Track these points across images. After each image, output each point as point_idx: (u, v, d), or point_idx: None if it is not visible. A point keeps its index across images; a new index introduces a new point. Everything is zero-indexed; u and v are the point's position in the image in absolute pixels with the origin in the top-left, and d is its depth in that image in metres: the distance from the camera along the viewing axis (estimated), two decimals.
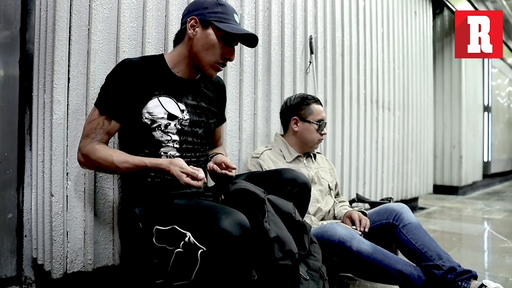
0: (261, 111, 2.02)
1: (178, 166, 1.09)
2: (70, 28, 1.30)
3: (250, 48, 1.94)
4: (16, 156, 1.45)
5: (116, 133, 1.25)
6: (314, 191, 1.69)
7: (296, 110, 1.76)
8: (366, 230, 1.55)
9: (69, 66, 1.29)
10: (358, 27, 2.80)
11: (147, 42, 1.50)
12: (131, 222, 1.18)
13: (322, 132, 1.74)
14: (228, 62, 1.28)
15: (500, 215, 3.70)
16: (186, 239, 0.93)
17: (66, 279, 1.29)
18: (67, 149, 1.28)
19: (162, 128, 1.21)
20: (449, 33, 5.27)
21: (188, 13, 1.25)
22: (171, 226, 0.99)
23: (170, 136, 1.22)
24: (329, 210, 1.73)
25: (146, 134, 1.20)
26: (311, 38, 2.31)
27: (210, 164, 1.28)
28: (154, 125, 1.20)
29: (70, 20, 1.30)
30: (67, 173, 1.28)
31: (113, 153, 1.15)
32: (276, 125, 2.10)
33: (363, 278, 1.50)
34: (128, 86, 1.17)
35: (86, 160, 1.15)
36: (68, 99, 1.29)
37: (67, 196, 1.28)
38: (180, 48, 1.26)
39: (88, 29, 1.33)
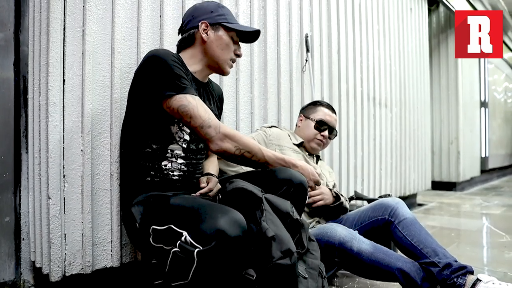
0: (257, 110, 2.02)
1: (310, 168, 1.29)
2: (64, 30, 1.29)
3: (246, 47, 1.94)
4: (12, 159, 1.44)
5: (120, 125, 1.25)
6: None
7: (304, 109, 1.91)
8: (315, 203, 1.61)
9: (64, 67, 1.29)
10: (354, 24, 2.81)
11: (143, 43, 1.50)
12: (128, 222, 1.18)
13: (323, 133, 1.77)
14: (237, 58, 1.37)
15: (498, 210, 3.71)
16: (183, 238, 0.93)
17: (65, 281, 1.28)
18: (63, 151, 1.28)
19: (181, 125, 1.23)
20: (445, 30, 5.28)
21: (193, 19, 1.29)
22: (167, 225, 0.99)
23: (183, 134, 1.24)
24: None
25: (163, 126, 1.20)
26: (307, 36, 2.31)
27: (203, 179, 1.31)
28: (176, 119, 1.20)
29: (64, 21, 1.29)
30: (63, 175, 1.28)
31: (251, 139, 1.24)
32: (273, 124, 2.10)
33: (364, 277, 1.49)
34: (184, 71, 1.19)
35: (231, 139, 1.17)
36: (63, 101, 1.28)
37: (64, 198, 1.28)
38: (191, 51, 1.30)
39: (83, 30, 1.32)
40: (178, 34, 1.36)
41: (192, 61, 1.30)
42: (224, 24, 1.28)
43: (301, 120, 1.87)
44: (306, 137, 1.80)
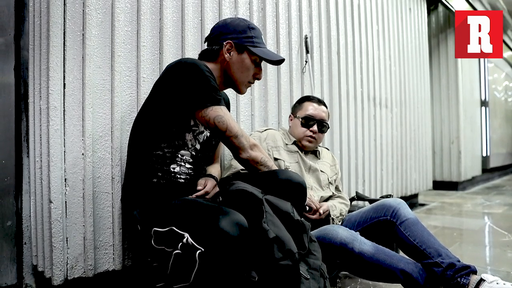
0: (258, 112, 2.02)
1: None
2: (64, 34, 1.29)
3: None
4: (14, 163, 1.45)
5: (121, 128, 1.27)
6: (310, 179, 1.72)
7: (293, 107, 1.89)
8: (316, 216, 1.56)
9: (64, 72, 1.29)
10: (353, 25, 2.81)
11: (142, 46, 1.50)
12: (130, 224, 1.19)
13: (311, 129, 1.74)
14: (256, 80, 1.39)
15: (500, 209, 3.70)
16: (184, 240, 0.93)
17: (67, 285, 1.28)
18: (64, 155, 1.28)
19: (195, 134, 1.26)
20: (444, 29, 5.29)
21: (221, 35, 1.30)
22: (169, 227, 1.00)
23: (195, 143, 1.27)
24: (327, 199, 1.73)
25: (179, 132, 1.23)
26: (306, 38, 2.31)
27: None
28: (194, 128, 1.25)
29: (64, 26, 1.29)
30: (65, 179, 1.28)
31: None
32: (273, 125, 2.10)
33: (366, 278, 1.49)
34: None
35: (257, 148, 1.23)
36: (64, 105, 1.29)
37: (66, 202, 1.28)
38: (212, 65, 1.31)
39: (83, 35, 1.33)
40: (204, 42, 1.38)
41: None
42: (250, 48, 1.29)
43: (291, 119, 1.85)
44: (297, 136, 1.77)
